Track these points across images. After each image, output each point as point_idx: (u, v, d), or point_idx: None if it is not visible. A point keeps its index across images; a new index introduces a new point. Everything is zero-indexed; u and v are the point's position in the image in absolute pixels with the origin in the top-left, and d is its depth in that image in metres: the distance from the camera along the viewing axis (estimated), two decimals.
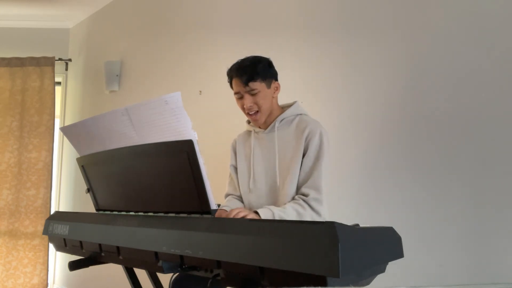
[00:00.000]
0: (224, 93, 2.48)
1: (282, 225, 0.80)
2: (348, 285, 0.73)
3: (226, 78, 1.60)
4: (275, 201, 1.53)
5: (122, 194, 1.24)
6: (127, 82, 3.34)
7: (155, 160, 1.08)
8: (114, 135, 1.14)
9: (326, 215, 1.50)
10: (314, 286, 0.71)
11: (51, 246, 3.37)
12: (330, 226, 0.73)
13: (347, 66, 1.98)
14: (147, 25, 3.22)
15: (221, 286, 0.93)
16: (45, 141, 3.61)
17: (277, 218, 1.35)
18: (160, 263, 0.99)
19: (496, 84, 1.55)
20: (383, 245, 0.90)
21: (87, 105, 3.74)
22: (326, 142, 1.49)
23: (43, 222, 3.51)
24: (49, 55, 3.72)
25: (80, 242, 1.29)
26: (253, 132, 1.65)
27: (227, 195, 1.70)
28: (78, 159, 1.35)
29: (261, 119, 1.57)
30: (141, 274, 1.46)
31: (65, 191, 3.82)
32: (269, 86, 1.55)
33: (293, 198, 1.48)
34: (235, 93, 1.56)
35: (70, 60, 3.91)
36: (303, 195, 1.45)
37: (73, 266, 1.30)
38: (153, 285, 1.56)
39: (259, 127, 1.64)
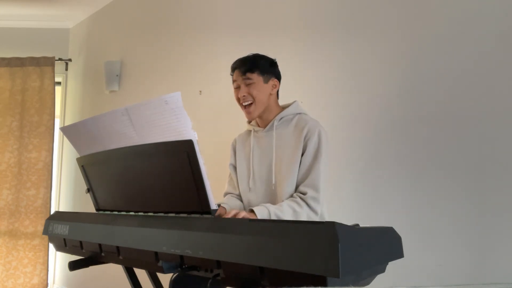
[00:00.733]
0: (224, 93, 2.48)
1: (282, 225, 0.80)
2: (348, 285, 0.73)
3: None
4: (273, 200, 1.53)
5: (122, 194, 1.24)
6: (127, 82, 3.34)
7: (155, 160, 1.08)
8: (114, 135, 1.14)
9: (324, 214, 1.50)
10: (314, 286, 0.71)
11: (51, 246, 3.38)
12: (330, 226, 0.73)
13: (347, 66, 1.98)
14: (147, 25, 3.22)
15: (221, 286, 0.93)
16: (45, 141, 3.61)
17: (273, 216, 1.35)
18: (160, 263, 0.99)
19: (494, 85, 1.56)
20: (383, 245, 0.90)
21: (87, 105, 3.74)
22: (325, 141, 1.49)
23: (43, 222, 3.51)
24: (49, 55, 3.72)
25: (80, 242, 1.29)
26: (252, 131, 1.66)
27: (226, 194, 1.71)
28: (78, 159, 1.35)
29: (255, 112, 1.56)
30: (141, 274, 1.46)
31: (65, 191, 3.82)
32: (266, 81, 1.57)
33: (291, 197, 1.48)
34: (233, 83, 1.60)
35: (70, 60, 3.91)
36: (301, 193, 1.45)
37: (73, 266, 1.31)
38: (153, 285, 1.56)
39: (258, 126, 1.64)
